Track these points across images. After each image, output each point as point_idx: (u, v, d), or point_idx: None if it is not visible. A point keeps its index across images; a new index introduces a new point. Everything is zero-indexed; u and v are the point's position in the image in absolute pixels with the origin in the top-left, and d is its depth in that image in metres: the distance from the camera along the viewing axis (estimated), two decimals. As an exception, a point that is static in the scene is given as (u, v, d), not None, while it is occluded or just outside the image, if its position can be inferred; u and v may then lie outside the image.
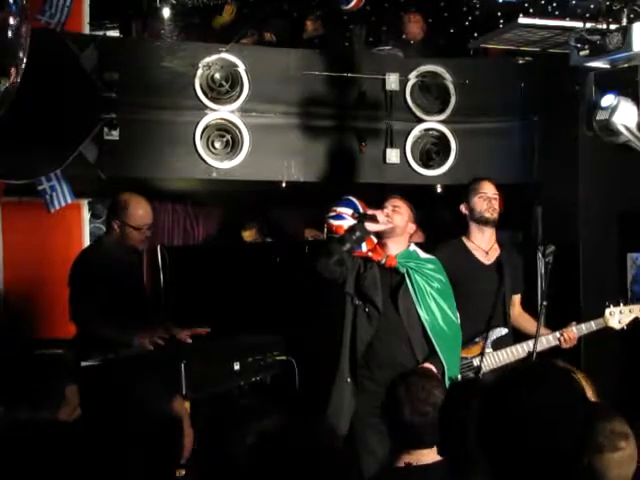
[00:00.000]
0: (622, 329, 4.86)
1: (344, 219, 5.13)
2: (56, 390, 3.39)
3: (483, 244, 5.01)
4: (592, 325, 4.84)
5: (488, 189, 4.99)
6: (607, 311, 4.82)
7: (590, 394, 3.05)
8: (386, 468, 3.13)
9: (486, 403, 1.98)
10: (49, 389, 3.38)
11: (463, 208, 5.01)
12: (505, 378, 2.05)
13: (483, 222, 4.97)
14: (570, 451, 1.93)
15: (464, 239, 5.04)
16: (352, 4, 5.89)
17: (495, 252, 5.01)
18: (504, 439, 1.91)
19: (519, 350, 4.77)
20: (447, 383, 4.38)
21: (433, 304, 4.52)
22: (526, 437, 1.89)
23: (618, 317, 4.81)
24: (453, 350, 4.54)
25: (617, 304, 4.84)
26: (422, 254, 4.68)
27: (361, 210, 5.06)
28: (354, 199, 5.47)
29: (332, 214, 5.24)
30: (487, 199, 4.96)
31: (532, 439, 1.89)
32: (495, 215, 4.97)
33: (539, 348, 4.65)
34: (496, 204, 4.98)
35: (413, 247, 4.68)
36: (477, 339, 4.79)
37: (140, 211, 4.82)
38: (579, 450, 1.95)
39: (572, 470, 1.93)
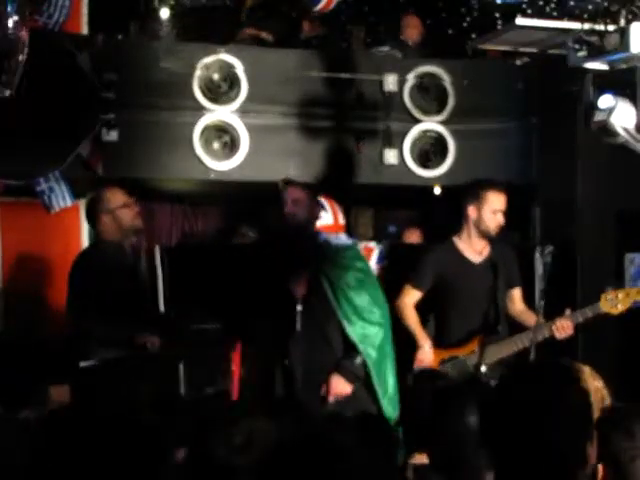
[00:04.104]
0: (622, 314, 4.74)
1: None
2: (39, 389, 3.37)
3: (475, 245, 4.99)
4: (587, 312, 4.73)
5: (502, 205, 4.86)
6: (603, 296, 4.70)
7: (599, 385, 3.01)
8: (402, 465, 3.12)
9: (491, 403, 1.98)
10: (32, 388, 3.36)
11: (471, 211, 4.89)
12: (510, 378, 2.05)
13: (485, 236, 4.93)
14: (576, 451, 1.93)
15: (455, 239, 5.00)
16: (321, 5, 5.89)
17: (486, 250, 4.99)
18: (509, 439, 1.91)
19: (517, 344, 4.75)
20: (373, 373, 4.35)
21: (349, 295, 4.36)
22: (531, 437, 1.89)
23: (614, 302, 4.69)
24: (376, 340, 4.39)
25: (613, 290, 4.76)
26: (334, 241, 4.55)
27: (329, 210, 5.08)
28: (324, 200, 5.49)
29: None
30: (499, 220, 4.86)
31: (537, 439, 1.89)
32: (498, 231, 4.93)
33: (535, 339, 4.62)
34: (502, 220, 4.89)
35: (322, 236, 4.53)
36: (471, 338, 4.80)
37: (117, 193, 4.82)
38: (584, 451, 1.95)
39: (578, 471, 1.93)
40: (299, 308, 4.25)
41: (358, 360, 4.35)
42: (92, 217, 4.86)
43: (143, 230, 5.04)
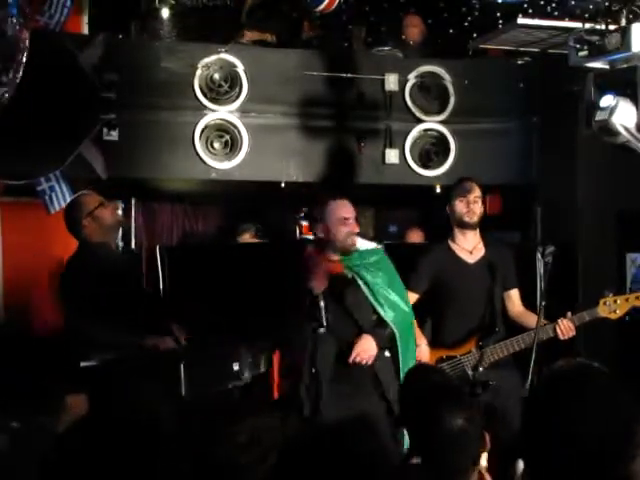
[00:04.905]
0: (621, 319, 4.73)
1: None
2: (56, 397, 3.35)
3: (467, 245, 4.99)
4: (585, 316, 4.72)
5: (469, 192, 4.93)
6: (602, 301, 4.71)
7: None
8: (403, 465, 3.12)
9: (532, 406, 1.98)
10: (48, 396, 3.34)
11: (448, 209, 5.00)
12: (551, 380, 2.04)
13: (462, 225, 4.95)
14: (615, 453, 1.93)
15: (449, 241, 5.02)
16: (324, 5, 5.89)
17: (480, 251, 4.99)
18: (551, 442, 1.91)
19: (513, 346, 4.74)
20: (400, 345, 4.45)
21: (382, 296, 4.47)
22: (575, 440, 1.88)
23: (613, 307, 4.69)
24: (406, 335, 4.53)
25: (613, 295, 4.75)
26: (361, 245, 4.60)
27: None
28: None
29: (302, 214, 5.25)
30: (466, 203, 4.91)
31: (580, 442, 1.88)
32: (475, 219, 4.93)
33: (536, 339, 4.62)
34: (476, 207, 4.92)
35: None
36: (468, 338, 4.80)
37: (91, 195, 4.88)
38: (624, 452, 1.95)
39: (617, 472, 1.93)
40: (322, 304, 4.23)
41: (389, 330, 4.45)
42: (74, 224, 4.85)
43: (126, 224, 5.05)
